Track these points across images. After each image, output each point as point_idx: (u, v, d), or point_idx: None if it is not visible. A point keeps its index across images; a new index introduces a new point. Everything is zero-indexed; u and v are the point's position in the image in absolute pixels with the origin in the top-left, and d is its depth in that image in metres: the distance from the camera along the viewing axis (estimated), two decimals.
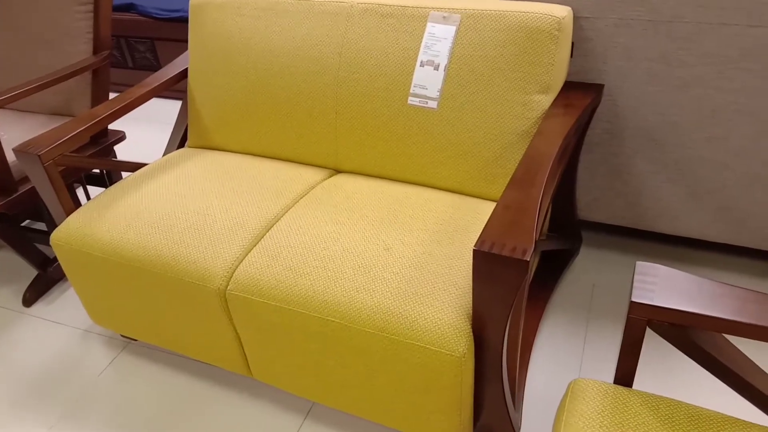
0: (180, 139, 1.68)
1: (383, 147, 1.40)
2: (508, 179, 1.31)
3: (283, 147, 1.53)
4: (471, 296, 1.04)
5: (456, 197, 1.34)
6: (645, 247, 1.77)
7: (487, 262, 0.88)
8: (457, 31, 1.30)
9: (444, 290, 1.05)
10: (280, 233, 1.22)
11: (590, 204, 1.61)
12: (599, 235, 1.85)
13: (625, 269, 1.70)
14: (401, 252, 1.14)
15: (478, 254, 0.88)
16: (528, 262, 0.85)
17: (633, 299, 0.78)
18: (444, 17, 1.31)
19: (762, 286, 1.58)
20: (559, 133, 1.18)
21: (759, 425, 0.79)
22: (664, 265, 1.67)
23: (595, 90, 1.34)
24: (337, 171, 1.51)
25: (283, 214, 1.30)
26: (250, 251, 1.21)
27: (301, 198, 1.36)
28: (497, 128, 1.29)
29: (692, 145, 1.39)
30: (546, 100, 1.26)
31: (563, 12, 1.24)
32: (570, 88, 1.32)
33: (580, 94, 1.31)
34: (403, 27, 1.35)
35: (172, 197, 1.36)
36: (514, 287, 0.89)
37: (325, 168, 1.51)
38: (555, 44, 1.23)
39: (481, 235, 0.90)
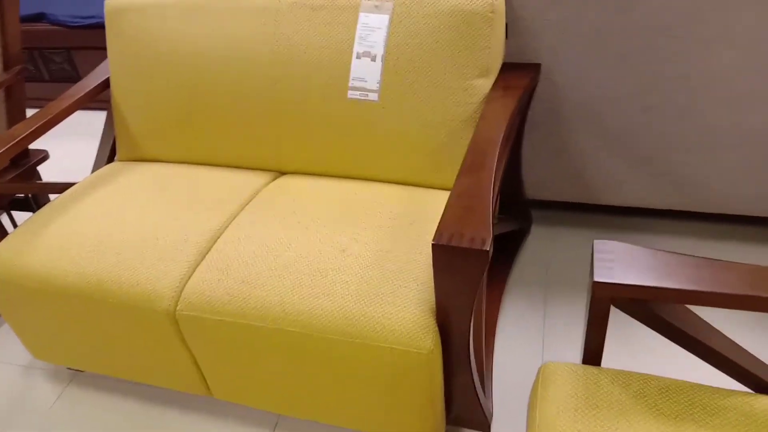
0: (108, 153, 1.59)
1: (326, 144, 1.36)
2: (457, 167, 1.29)
3: (221, 153, 1.47)
4: (433, 290, 1.02)
5: (406, 189, 1.31)
6: (594, 220, 1.80)
7: (447, 255, 0.86)
8: (391, 20, 1.27)
9: (405, 287, 1.02)
10: (227, 244, 1.17)
11: (537, 183, 1.62)
12: (548, 212, 1.87)
13: (578, 245, 1.72)
14: (357, 252, 1.10)
15: (436, 248, 0.86)
16: (488, 252, 0.83)
17: (595, 279, 0.78)
18: (376, 6, 1.28)
19: (713, 248, 1.64)
20: (502, 117, 1.17)
21: (726, 389, 0.80)
22: (617, 236, 1.71)
23: (533, 70, 1.34)
24: (282, 173, 1.46)
25: (229, 224, 1.25)
26: (197, 267, 1.15)
27: (247, 204, 1.31)
28: (440, 116, 1.27)
29: (630, 116, 1.41)
30: (486, 84, 1.25)
31: None
32: (508, 69, 1.32)
33: (518, 75, 1.31)
34: (335, 19, 1.31)
35: (107, 216, 1.27)
36: (475, 278, 0.88)
37: (269, 171, 1.46)
38: (489, 27, 1.22)
39: (438, 227, 0.88)
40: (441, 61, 1.24)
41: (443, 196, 1.28)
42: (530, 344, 1.44)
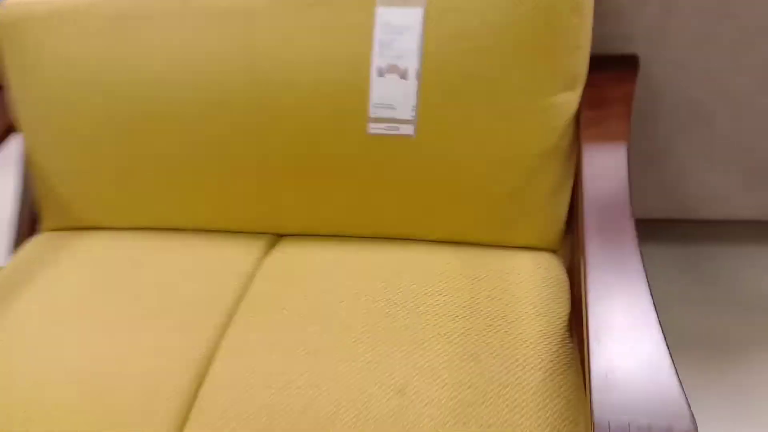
0: (28, 222, 1.15)
1: (342, 197, 0.95)
2: (538, 218, 0.91)
3: (192, 213, 1.05)
4: None
5: (463, 252, 0.92)
6: (683, 233, 1.44)
7: None
8: (427, 15, 0.84)
9: None
10: (220, 389, 0.77)
11: None
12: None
13: (672, 260, 1.35)
14: (423, 391, 0.72)
15: None
16: None
17: None
18: None
19: None
20: (614, 145, 0.78)
21: None
22: (715, 251, 1.34)
23: (631, 66, 0.94)
24: (279, 235, 1.05)
25: (217, 350, 0.84)
26: None
27: (238, 306, 0.90)
28: (510, 151, 0.87)
29: (751, 116, 1.03)
30: (573, 99, 0.85)
31: None
32: (596, 68, 0.91)
33: (615, 78, 0.91)
34: (338, 19, 0.88)
35: (34, 350, 0.86)
36: None
37: (261, 234, 1.04)
38: (579, 16, 0.81)
39: (594, 403, 0.50)
40: (508, 71, 0.83)
41: (519, 262, 0.89)
42: None
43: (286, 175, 0.96)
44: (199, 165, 0.99)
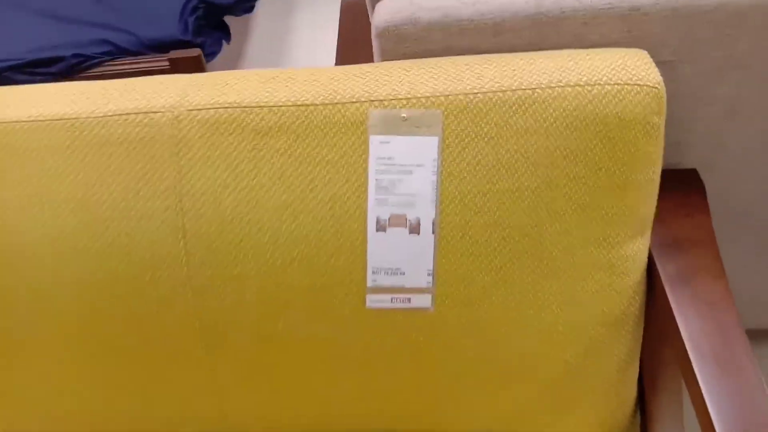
0: None
1: (332, 392, 0.68)
2: (601, 402, 0.67)
3: (111, 420, 0.73)
4: None
5: None
6: None
7: None
8: (444, 147, 0.60)
9: None
10: None
11: None
12: None
13: None
14: None
15: None
16: None
17: None
18: (405, 119, 0.60)
19: None
20: (721, 315, 0.57)
21: None
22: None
23: (695, 185, 0.73)
24: None
25: None
26: None
27: None
28: (564, 320, 0.63)
29: None
30: (644, 246, 0.63)
31: (652, 73, 0.59)
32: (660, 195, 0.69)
33: (683, 205, 0.69)
34: (314, 151, 0.61)
35: None
36: None
37: None
38: (653, 143, 0.59)
39: None
40: (559, 217, 0.60)
41: None
42: None
43: (243, 366, 0.67)
44: (116, 356, 0.68)
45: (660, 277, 0.62)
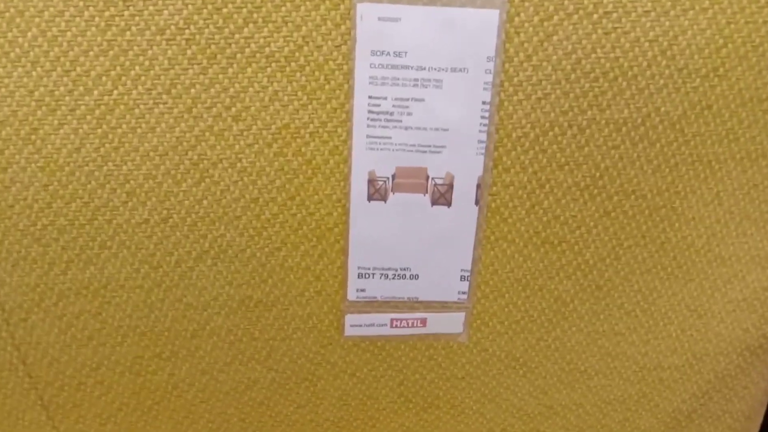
0: None
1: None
2: None
3: None
4: None
5: None
6: None
7: None
8: (508, 30, 0.29)
9: None
10: None
11: None
12: None
13: None
14: None
15: None
16: None
17: None
18: None
19: None
20: None
21: None
22: None
23: None
24: None
25: None
26: None
27: None
28: (690, 351, 0.36)
29: None
30: None
31: None
32: None
33: None
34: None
35: None
36: None
37: None
38: None
39: None
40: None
41: None
42: None
43: None
44: None
45: None
